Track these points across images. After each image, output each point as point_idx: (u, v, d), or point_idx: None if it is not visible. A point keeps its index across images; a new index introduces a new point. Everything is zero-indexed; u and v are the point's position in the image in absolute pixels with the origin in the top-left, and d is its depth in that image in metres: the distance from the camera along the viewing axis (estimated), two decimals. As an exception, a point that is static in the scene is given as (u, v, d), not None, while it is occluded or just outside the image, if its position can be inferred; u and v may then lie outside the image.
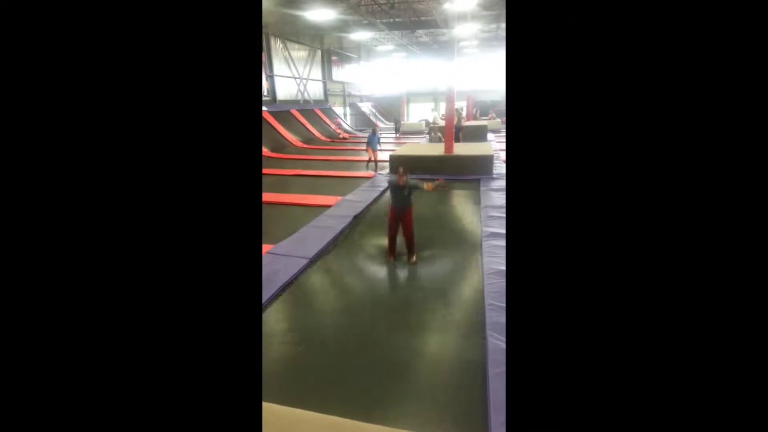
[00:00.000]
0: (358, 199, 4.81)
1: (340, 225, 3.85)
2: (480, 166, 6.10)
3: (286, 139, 10.67)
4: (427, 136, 10.79)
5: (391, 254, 3.25)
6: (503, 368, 1.75)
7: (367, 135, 7.76)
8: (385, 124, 16.40)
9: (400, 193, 3.17)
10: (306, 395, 1.65)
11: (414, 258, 3.21)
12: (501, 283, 2.56)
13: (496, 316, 2.14)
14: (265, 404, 1.42)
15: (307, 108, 13.35)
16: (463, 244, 3.55)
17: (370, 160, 6.99)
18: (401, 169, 3.21)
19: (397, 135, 12.93)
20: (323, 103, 14.88)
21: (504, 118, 15.93)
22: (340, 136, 13.14)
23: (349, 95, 17.41)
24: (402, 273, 3.03)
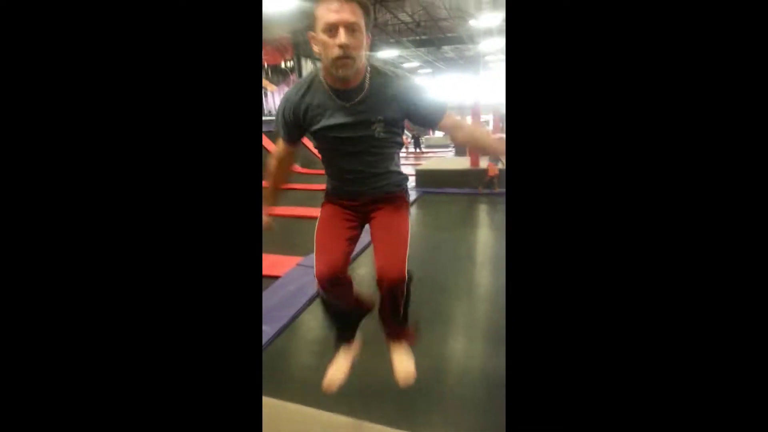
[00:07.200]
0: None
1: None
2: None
3: (316, 155, 10.93)
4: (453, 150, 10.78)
5: (346, 340, 1.20)
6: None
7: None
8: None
9: (359, 125, 0.89)
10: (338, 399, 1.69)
11: (407, 365, 1.13)
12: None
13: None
14: (265, 399, 1.44)
15: (336, 125, 13.61)
16: (485, 270, 3.51)
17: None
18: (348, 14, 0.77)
19: (417, 150, 12.68)
20: (351, 120, 15.15)
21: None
22: None
23: (376, 111, 17.65)
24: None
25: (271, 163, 1.12)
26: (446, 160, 8.30)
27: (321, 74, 0.92)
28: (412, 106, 0.92)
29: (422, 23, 10.69)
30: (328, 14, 0.81)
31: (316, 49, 0.87)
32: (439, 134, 16.39)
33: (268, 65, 10.79)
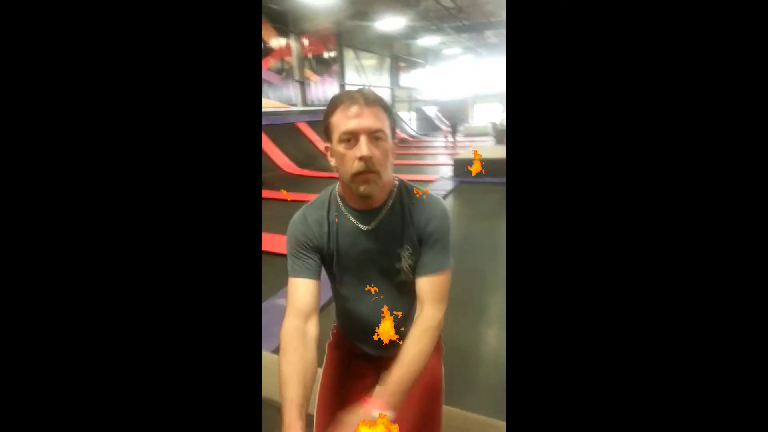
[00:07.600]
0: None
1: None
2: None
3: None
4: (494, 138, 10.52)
5: None
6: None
7: (433, 140, 7.48)
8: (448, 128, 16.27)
9: (382, 254, 0.75)
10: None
11: None
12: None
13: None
14: (265, 354, 1.47)
15: (375, 113, 13.74)
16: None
17: None
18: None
19: (453, 140, 11.54)
20: (390, 109, 15.26)
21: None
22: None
23: (416, 100, 17.62)
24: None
25: (283, 341, 0.70)
26: (484, 149, 8.18)
27: (338, 191, 0.76)
28: (432, 237, 0.73)
29: (464, 8, 10.45)
30: (346, 121, 0.67)
31: (332, 162, 0.72)
32: (478, 123, 16.05)
33: (312, 55, 11.07)
